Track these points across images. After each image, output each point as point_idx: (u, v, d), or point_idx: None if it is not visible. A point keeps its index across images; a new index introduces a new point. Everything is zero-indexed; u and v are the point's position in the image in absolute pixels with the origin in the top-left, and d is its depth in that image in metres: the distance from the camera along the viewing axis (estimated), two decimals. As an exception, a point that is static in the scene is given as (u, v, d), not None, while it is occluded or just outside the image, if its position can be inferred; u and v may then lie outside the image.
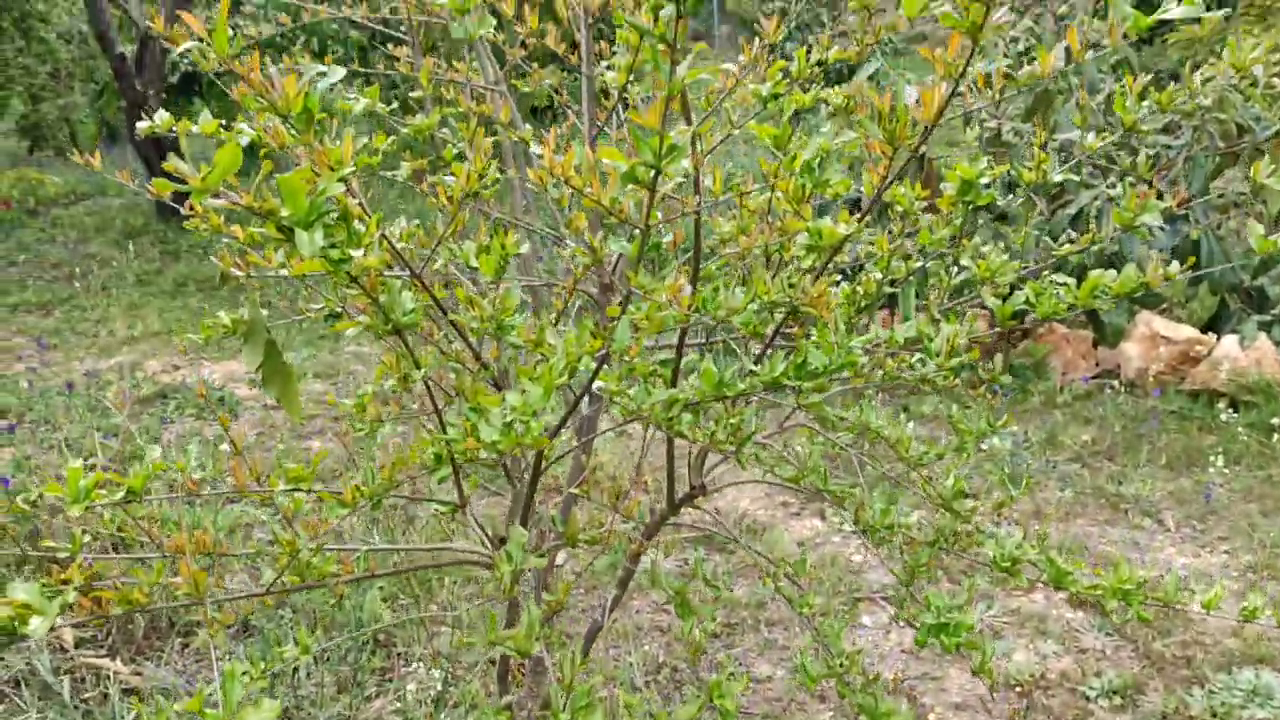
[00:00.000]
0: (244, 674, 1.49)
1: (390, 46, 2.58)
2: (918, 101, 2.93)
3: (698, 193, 1.25)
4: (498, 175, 1.58)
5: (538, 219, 2.67)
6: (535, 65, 2.16)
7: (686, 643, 1.77)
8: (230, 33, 1.17)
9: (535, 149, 1.97)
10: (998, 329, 1.81)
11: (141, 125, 1.88)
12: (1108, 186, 5.53)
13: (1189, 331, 5.56)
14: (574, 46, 2.32)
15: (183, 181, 0.96)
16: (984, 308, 2.07)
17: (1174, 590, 1.80)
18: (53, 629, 3.29)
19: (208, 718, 1.03)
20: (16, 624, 1.07)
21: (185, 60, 14.93)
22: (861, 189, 1.80)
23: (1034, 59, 1.85)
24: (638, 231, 1.26)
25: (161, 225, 10.76)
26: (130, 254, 9.67)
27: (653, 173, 1.15)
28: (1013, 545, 1.85)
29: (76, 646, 3.44)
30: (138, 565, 1.52)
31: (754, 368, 1.40)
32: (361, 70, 2.80)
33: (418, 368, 1.31)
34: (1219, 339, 5.49)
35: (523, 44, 2.14)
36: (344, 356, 7.02)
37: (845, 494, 1.80)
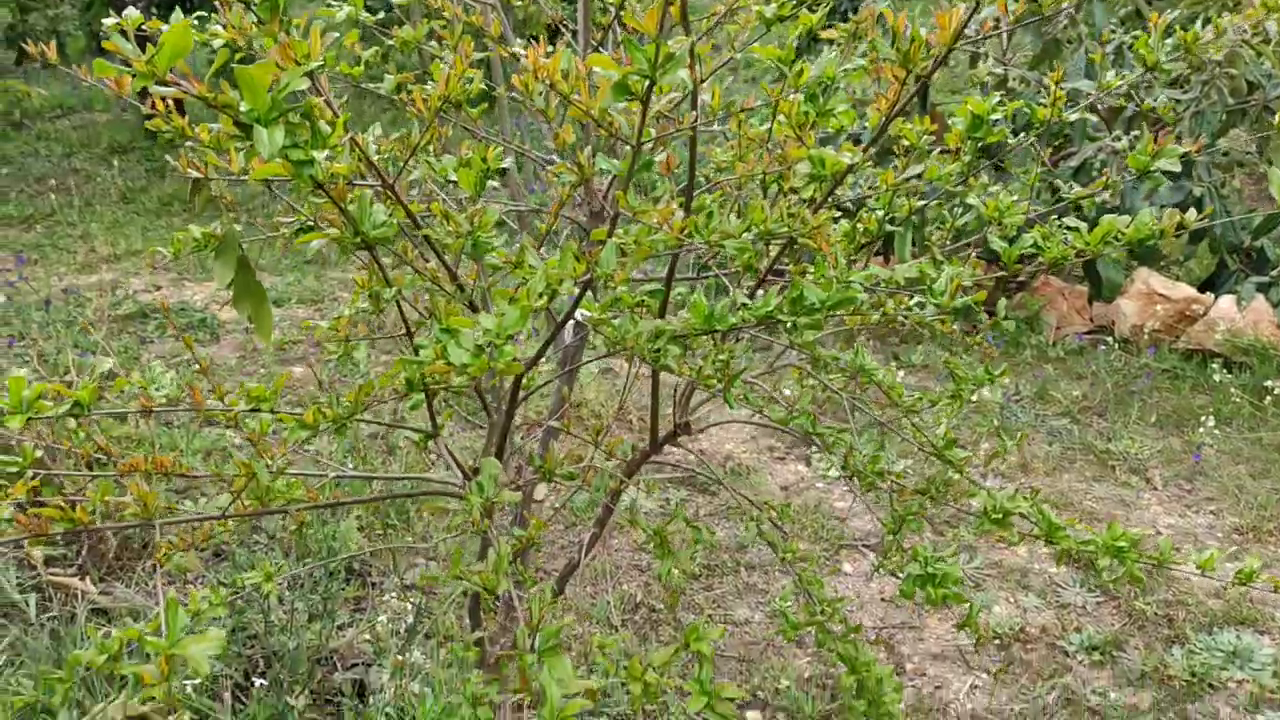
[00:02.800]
0: (204, 599, 1.43)
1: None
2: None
3: (695, 108, 1.17)
4: (484, 87, 1.49)
5: (531, 149, 2.58)
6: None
7: (664, 584, 1.72)
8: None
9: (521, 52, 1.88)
10: (1000, 273, 1.73)
11: (109, 21, 1.77)
12: (1113, 139, 5.43)
13: (1186, 290, 5.49)
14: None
15: (128, 63, 0.87)
16: (984, 258, 1.99)
17: (1168, 550, 1.75)
18: (20, 545, 3.21)
19: (149, 646, 0.97)
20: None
21: (178, -26, 14.58)
22: (866, 125, 1.72)
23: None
24: (629, 149, 1.17)
25: (148, 143, 10.56)
26: (115, 170, 9.49)
27: (646, 83, 1.06)
28: (1004, 497, 1.79)
29: (45, 564, 3.39)
30: (92, 484, 1.44)
31: (746, 300, 1.33)
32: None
33: (389, 286, 1.23)
34: (1216, 299, 5.42)
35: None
36: (329, 283, 6.92)
37: (835, 439, 1.74)
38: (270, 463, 1.19)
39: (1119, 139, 5.36)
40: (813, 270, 1.43)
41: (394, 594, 3.02)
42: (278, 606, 3.02)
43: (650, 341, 1.22)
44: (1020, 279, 6.05)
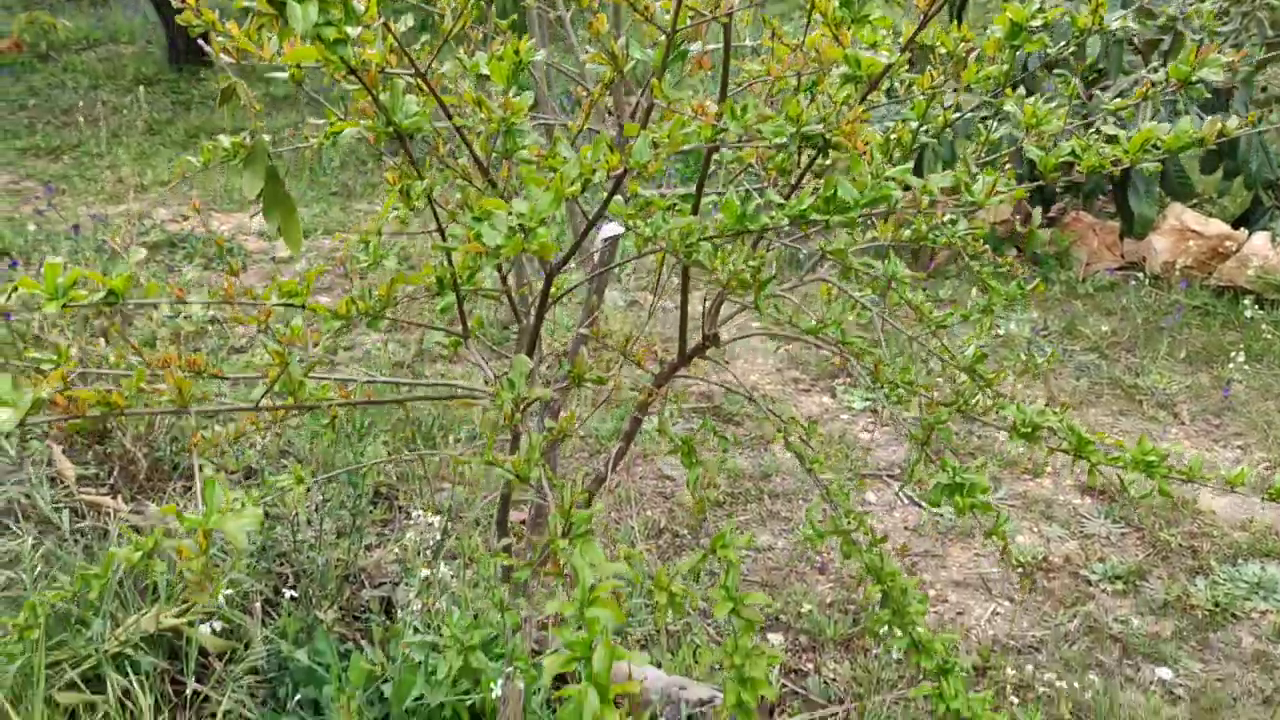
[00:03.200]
0: (236, 499, 1.44)
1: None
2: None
3: (730, -6, 1.15)
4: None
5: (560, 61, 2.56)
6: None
7: (692, 492, 1.72)
8: None
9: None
10: (1037, 181, 1.71)
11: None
12: (1149, 70, 5.33)
13: (1219, 226, 5.42)
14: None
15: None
16: (1019, 179, 1.96)
17: (1197, 467, 1.74)
18: (51, 463, 3.22)
19: (185, 522, 0.98)
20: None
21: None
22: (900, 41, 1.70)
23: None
24: (663, 39, 1.16)
25: (174, 75, 10.54)
26: (142, 102, 9.48)
27: (683, -34, 1.04)
28: (1034, 411, 1.79)
29: (77, 483, 3.43)
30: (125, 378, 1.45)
31: (779, 200, 1.32)
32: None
33: (420, 178, 1.22)
34: (1250, 235, 5.35)
35: None
36: (355, 214, 6.92)
37: (864, 350, 1.73)
38: (300, 351, 1.19)
39: (1155, 70, 5.26)
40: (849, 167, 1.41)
41: (422, 512, 3.05)
42: (306, 528, 3.05)
43: (682, 238, 1.22)
44: (1050, 216, 5.99)
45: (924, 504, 3.72)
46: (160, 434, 3.74)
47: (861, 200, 1.26)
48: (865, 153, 1.25)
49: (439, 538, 2.97)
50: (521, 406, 1.26)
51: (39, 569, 2.74)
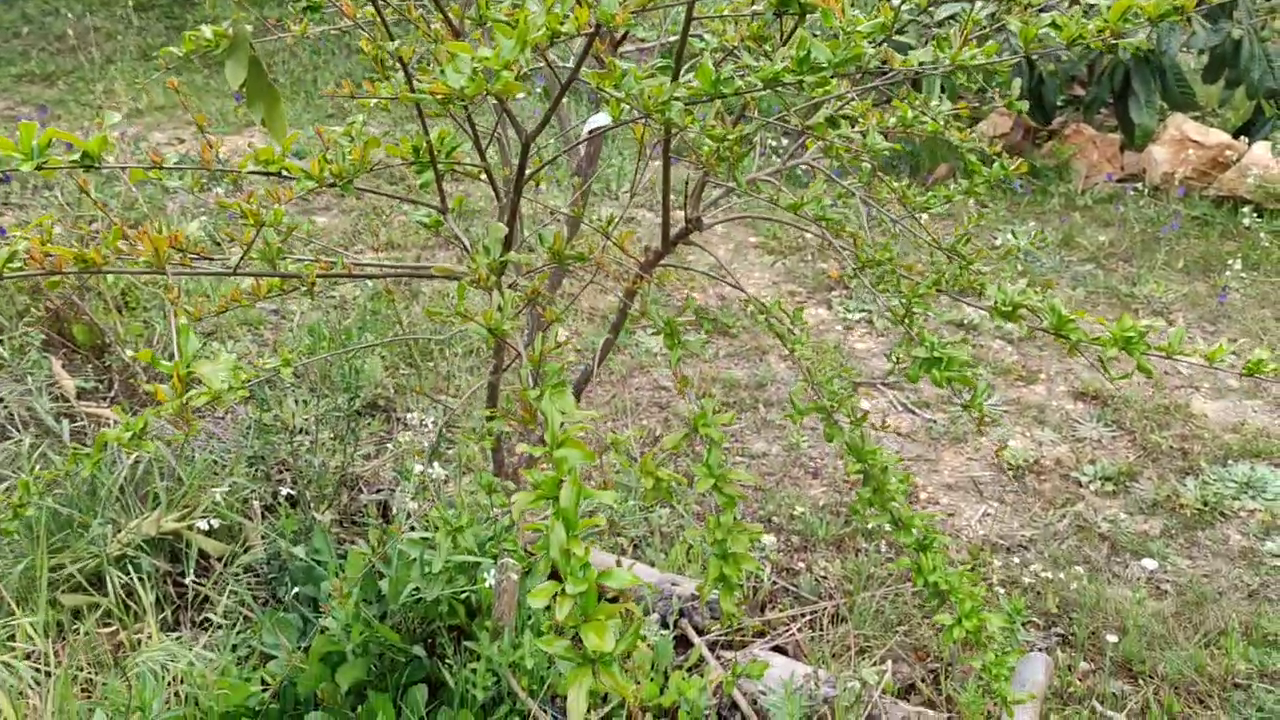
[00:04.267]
0: (224, 379, 1.45)
1: None
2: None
3: None
4: None
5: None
6: None
7: (674, 372, 1.74)
8: None
9: None
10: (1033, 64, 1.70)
11: None
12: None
13: (1220, 136, 5.38)
14: None
15: None
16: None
17: (1178, 341, 1.75)
18: (52, 376, 3.23)
19: (161, 367, 0.99)
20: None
21: None
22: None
23: None
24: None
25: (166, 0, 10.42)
26: (135, 28, 9.39)
27: None
28: (1015, 291, 1.79)
29: (78, 397, 3.46)
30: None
31: (753, 63, 1.31)
32: None
33: (392, 39, 1.22)
34: (1250, 145, 5.31)
35: None
36: (352, 136, 6.87)
37: (843, 228, 1.74)
38: (275, 213, 1.20)
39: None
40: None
41: (418, 414, 3.08)
42: (303, 436, 3.08)
43: (654, 100, 1.22)
44: (1051, 128, 5.94)
45: (916, 410, 3.74)
46: (159, 349, 3.76)
47: (835, 60, 1.25)
48: (837, 9, 1.24)
49: (434, 439, 3.00)
50: (497, 271, 1.27)
51: (36, 469, 2.77)
